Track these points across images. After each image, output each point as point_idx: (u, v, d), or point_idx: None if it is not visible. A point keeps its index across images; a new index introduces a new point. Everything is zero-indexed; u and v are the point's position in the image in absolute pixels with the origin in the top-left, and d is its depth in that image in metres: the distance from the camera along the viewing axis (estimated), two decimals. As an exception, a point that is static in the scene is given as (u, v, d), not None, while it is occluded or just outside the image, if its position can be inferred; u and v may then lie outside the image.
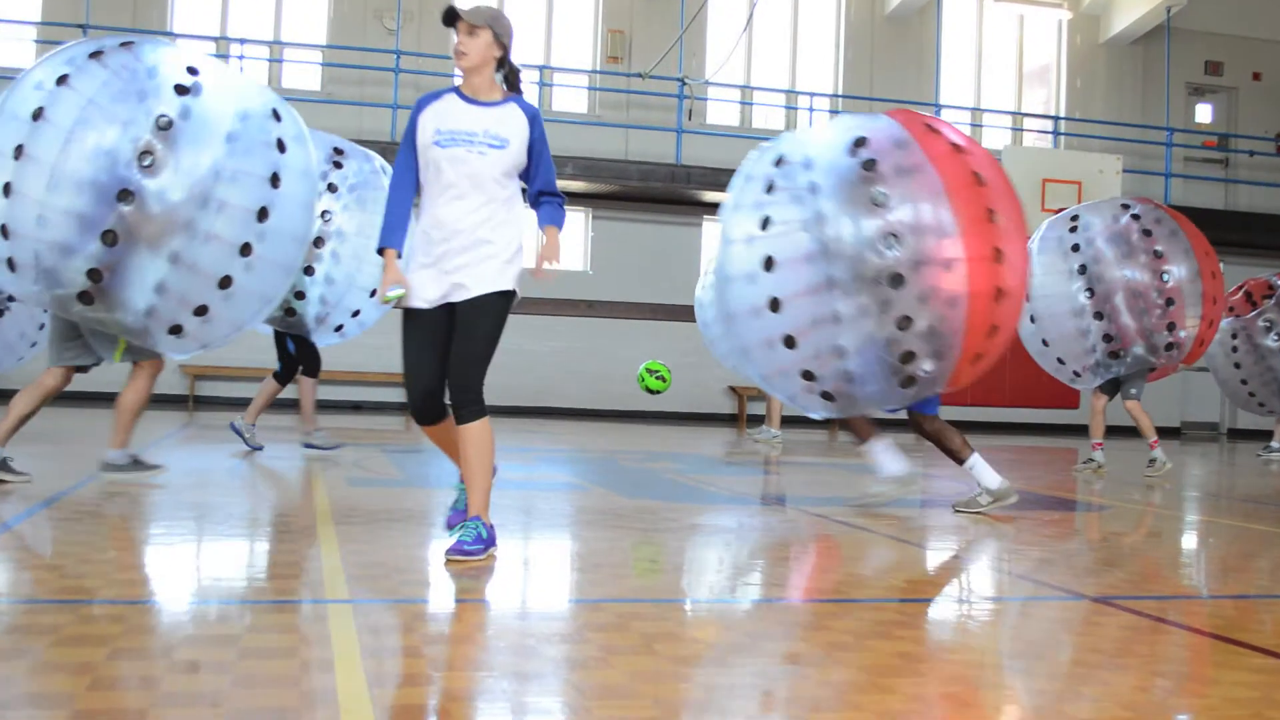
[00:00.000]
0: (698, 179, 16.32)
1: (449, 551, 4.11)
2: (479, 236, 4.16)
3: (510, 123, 4.24)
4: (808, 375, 5.77)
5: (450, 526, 4.57)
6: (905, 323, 5.52)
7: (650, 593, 3.90)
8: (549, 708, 2.43)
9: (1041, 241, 9.50)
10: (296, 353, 8.28)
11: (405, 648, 2.89)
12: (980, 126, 18.71)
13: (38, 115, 5.30)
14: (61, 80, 5.40)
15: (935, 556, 4.98)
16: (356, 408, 15.78)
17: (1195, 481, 9.95)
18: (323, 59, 16.57)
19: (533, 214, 4.37)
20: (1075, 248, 9.24)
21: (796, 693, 2.66)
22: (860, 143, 5.70)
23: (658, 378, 11.56)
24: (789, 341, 5.67)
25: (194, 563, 4.16)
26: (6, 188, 5.31)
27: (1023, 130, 19.27)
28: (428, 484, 6.66)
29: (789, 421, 13.80)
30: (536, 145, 4.28)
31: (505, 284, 4.21)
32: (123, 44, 5.65)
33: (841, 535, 5.34)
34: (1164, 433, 16.56)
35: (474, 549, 4.11)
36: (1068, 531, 6.11)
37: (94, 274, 5.40)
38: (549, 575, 4.28)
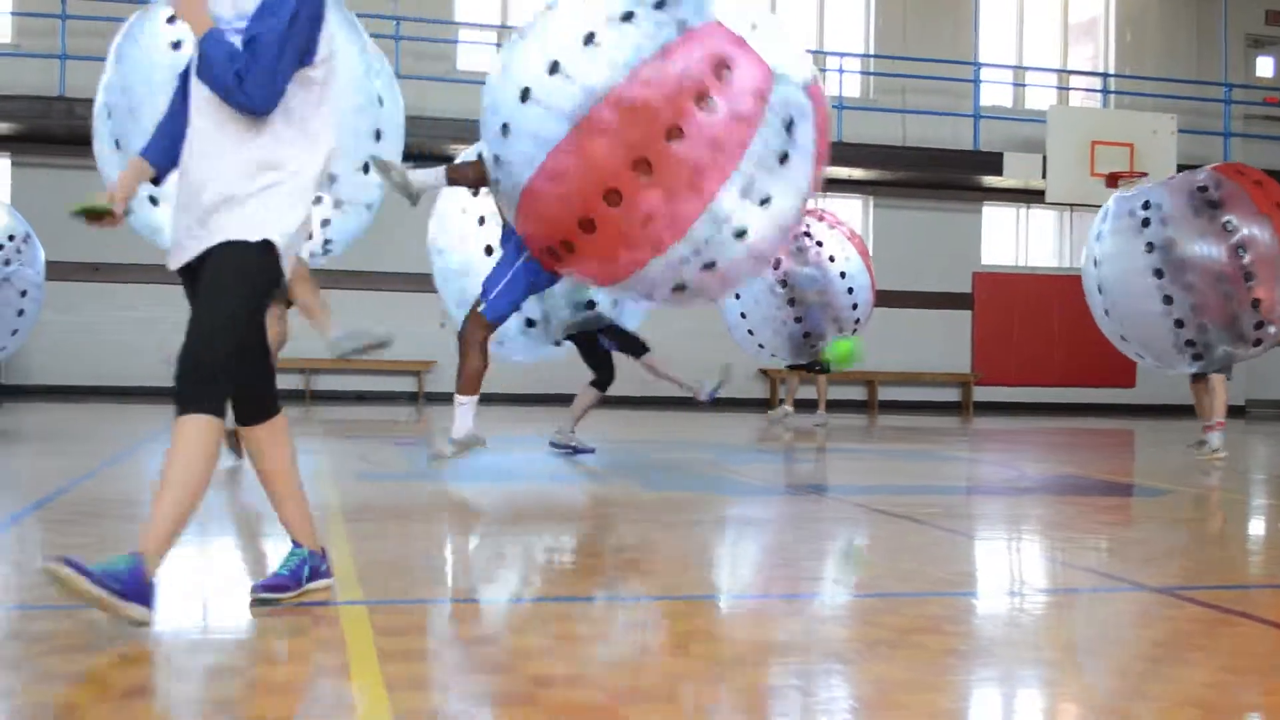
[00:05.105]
0: (721, 148, 16.21)
1: (256, 589, 3.31)
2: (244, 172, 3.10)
3: None
4: None
5: (267, 590, 3.29)
6: None
7: (683, 589, 3.91)
8: (579, 712, 2.44)
9: (1114, 220, 9.28)
10: (597, 364, 8.35)
11: (424, 650, 2.90)
12: (1024, 86, 18.57)
13: None
14: None
15: (984, 546, 4.97)
16: (360, 398, 15.84)
17: (1263, 463, 9.90)
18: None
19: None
20: (1145, 223, 9.00)
21: (839, 693, 2.67)
22: None
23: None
24: None
25: (195, 564, 4.19)
26: None
27: (1069, 89, 19.10)
28: (441, 478, 6.68)
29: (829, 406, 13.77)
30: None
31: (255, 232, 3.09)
32: None
33: (883, 525, 5.34)
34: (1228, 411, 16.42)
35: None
36: (1125, 518, 6.09)
37: None
38: (574, 572, 4.29)
